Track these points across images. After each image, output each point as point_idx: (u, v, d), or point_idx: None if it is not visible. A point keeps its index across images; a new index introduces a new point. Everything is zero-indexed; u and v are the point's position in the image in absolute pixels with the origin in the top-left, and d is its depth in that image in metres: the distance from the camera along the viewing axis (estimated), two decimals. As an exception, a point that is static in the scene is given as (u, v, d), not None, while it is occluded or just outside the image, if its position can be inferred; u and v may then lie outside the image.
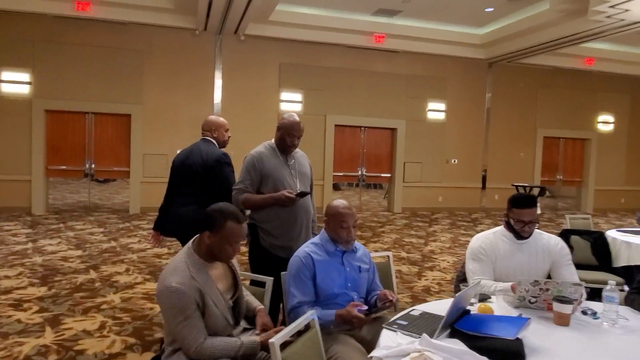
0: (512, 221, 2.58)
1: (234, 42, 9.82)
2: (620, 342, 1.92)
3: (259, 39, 9.84)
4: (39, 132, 8.92)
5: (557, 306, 2.03)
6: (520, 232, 2.56)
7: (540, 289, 2.15)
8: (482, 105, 11.76)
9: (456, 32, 10.38)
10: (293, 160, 2.99)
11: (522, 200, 2.57)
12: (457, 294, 1.90)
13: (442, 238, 7.98)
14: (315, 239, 2.46)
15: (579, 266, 3.96)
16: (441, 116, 11.44)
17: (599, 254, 4.26)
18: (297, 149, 3.04)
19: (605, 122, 12.83)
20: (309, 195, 2.99)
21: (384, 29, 9.98)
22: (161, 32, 9.42)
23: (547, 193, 13.41)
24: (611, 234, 4.51)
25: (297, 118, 2.93)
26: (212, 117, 3.46)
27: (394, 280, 2.98)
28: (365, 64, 10.71)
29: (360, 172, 11.14)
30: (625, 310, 2.23)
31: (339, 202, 2.45)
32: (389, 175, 11.34)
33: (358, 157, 11.09)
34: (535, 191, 9.50)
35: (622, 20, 7.87)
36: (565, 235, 4.23)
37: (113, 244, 6.62)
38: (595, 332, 2.00)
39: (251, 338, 2.01)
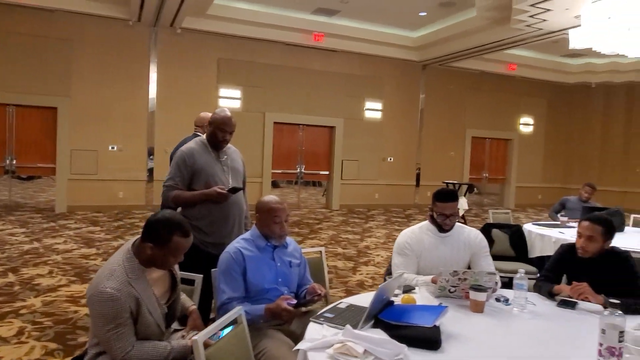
0: (435, 214, 2.74)
1: (170, 35, 9.52)
2: (528, 325, 2.11)
3: (196, 33, 9.60)
4: (-49, 125, 8.20)
5: (472, 294, 2.18)
6: (442, 225, 2.73)
7: (459, 279, 2.29)
8: (416, 106, 12.20)
9: (392, 34, 10.70)
10: (225, 156, 2.97)
11: (444, 195, 2.75)
12: (379, 286, 1.98)
13: (377, 234, 8.22)
14: (246, 235, 2.46)
15: (498, 257, 4.26)
16: (378, 115, 11.75)
17: (516, 245, 4.59)
18: (230, 145, 3.02)
19: (525, 124, 13.80)
20: (242, 191, 2.99)
21: (322, 28, 10.09)
22: (91, 21, 8.93)
23: (475, 190, 14.19)
24: (527, 227, 4.88)
25: (228, 113, 2.91)
26: (203, 114, 3.75)
27: (326, 275, 3.05)
28: (304, 62, 10.77)
29: (298, 170, 11.19)
30: (534, 297, 2.44)
31: (270, 197, 2.47)
32: (327, 172, 11.49)
33: (297, 154, 11.14)
34: (464, 188, 10.00)
35: (540, 29, 8.52)
36: (487, 228, 4.53)
37: (36, 244, 6.22)
38: (506, 317, 2.17)
39: (182, 342, 1.96)
